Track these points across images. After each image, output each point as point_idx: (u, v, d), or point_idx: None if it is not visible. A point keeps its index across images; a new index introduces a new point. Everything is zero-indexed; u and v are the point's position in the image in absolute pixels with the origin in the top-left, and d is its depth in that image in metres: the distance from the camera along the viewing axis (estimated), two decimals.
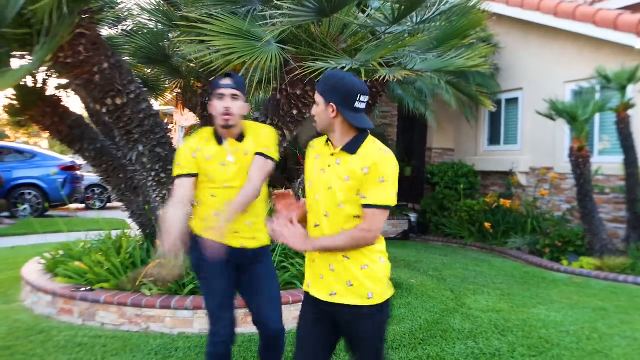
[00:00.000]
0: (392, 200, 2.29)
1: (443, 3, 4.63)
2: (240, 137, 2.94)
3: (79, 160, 16.31)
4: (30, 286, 5.13)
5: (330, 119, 2.31)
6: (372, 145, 2.31)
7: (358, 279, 2.29)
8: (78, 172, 14.62)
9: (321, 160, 2.39)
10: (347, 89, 2.27)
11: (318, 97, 2.34)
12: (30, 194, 13.48)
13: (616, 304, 5.94)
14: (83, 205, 16.85)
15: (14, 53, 4.18)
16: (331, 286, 2.31)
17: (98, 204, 16.91)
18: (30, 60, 3.69)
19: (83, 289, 4.75)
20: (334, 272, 2.31)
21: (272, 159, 2.91)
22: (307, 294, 2.45)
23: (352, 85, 2.28)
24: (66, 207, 14.55)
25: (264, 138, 2.95)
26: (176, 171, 2.88)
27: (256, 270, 3.00)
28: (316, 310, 2.40)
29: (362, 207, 2.26)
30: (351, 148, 2.30)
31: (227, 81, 2.85)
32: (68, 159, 14.84)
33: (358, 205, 2.28)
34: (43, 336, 4.30)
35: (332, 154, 2.33)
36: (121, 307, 4.52)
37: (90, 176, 16.88)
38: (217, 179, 2.88)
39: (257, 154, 2.89)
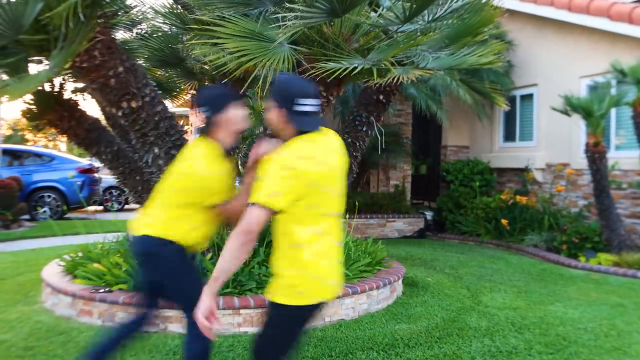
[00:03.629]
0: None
1: (455, 0, 4.62)
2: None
3: (97, 163, 16.53)
4: (51, 288, 5.21)
5: (281, 122, 2.40)
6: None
7: None
8: (96, 175, 14.78)
9: None
10: (288, 92, 2.35)
11: (270, 102, 2.41)
12: (49, 196, 13.66)
13: (635, 300, 5.89)
14: (101, 208, 17.03)
15: (32, 58, 4.27)
16: None
17: (116, 206, 17.08)
18: (47, 65, 3.75)
19: (102, 290, 4.82)
20: None
21: None
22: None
23: (294, 88, 2.36)
24: (84, 209, 14.71)
25: None
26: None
27: None
28: None
29: None
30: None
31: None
32: (86, 161, 15.01)
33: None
34: (63, 337, 4.37)
35: None
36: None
37: (108, 178, 17.04)
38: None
39: None
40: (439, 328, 4.73)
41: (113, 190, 17.13)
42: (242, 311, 4.53)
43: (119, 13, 4.58)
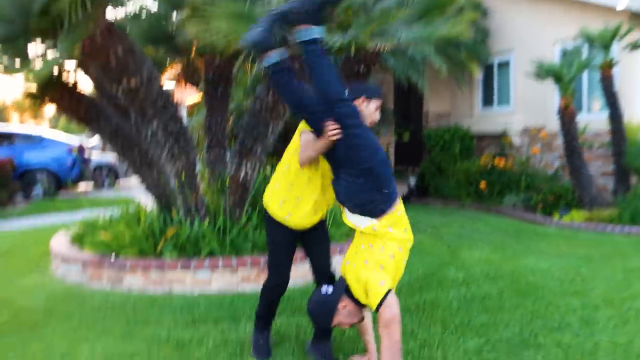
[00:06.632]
0: None
1: None
2: None
3: (86, 143, 16.73)
4: (61, 257, 5.58)
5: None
6: None
7: None
8: (86, 153, 15.01)
9: None
10: None
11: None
12: (41, 175, 13.87)
13: (602, 251, 6.37)
14: (92, 185, 17.28)
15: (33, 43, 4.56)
16: None
17: (106, 183, 17.33)
18: (53, 50, 4.06)
19: (113, 256, 5.19)
20: None
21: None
22: None
23: None
24: (76, 188, 14.98)
25: None
26: None
27: None
28: None
29: None
30: None
31: None
32: (75, 141, 15.21)
33: None
34: (78, 299, 4.77)
35: None
36: (146, 271, 4.97)
37: (97, 157, 17.29)
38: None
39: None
40: (420, 280, 5.18)
41: (103, 168, 17.38)
42: (240, 270, 4.96)
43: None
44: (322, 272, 3.44)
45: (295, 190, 3.25)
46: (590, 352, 3.53)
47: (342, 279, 3.09)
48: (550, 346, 3.62)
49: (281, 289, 3.45)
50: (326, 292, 3.08)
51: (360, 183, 2.97)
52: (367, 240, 3.04)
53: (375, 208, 2.99)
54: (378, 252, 2.98)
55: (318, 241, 3.46)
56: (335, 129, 2.94)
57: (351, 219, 3.10)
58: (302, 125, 3.23)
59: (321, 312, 3.05)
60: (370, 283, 2.87)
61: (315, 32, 2.95)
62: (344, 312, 3.03)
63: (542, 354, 3.50)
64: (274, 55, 3.00)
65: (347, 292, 3.03)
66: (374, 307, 2.86)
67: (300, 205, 3.25)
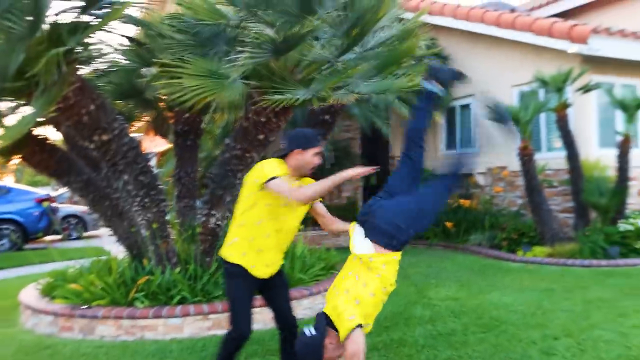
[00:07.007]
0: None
1: (385, 32, 5.31)
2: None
3: (53, 192, 16.65)
4: (31, 309, 5.60)
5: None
6: None
7: None
8: (53, 204, 14.92)
9: None
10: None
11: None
12: (7, 229, 13.72)
13: (563, 284, 6.62)
14: (60, 237, 17.09)
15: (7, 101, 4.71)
16: None
17: (74, 234, 17.16)
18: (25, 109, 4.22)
19: (84, 307, 5.23)
20: None
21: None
22: None
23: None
24: (43, 239, 14.82)
25: None
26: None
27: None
28: None
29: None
30: None
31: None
32: (42, 191, 15.14)
33: None
34: (50, 351, 4.79)
35: None
36: (118, 320, 5.03)
37: (64, 207, 17.17)
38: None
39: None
40: (388, 319, 5.32)
41: (71, 219, 17.23)
42: (210, 316, 5.05)
43: (91, 56, 5.03)
44: (284, 317, 3.57)
45: (256, 243, 3.38)
46: None
47: (321, 316, 3.23)
48: None
49: (241, 344, 3.49)
50: (310, 333, 3.21)
51: (409, 209, 3.34)
52: (357, 269, 3.21)
53: (393, 239, 3.22)
54: (361, 287, 3.14)
55: (277, 287, 3.60)
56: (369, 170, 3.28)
57: (355, 238, 3.27)
58: (249, 179, 3.38)
59: (310, 351, 3.17)
60: (342, 315, 3.04)
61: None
62: (330, 348, 3.16)
63: None
64: (437, 88, 3.60)
65: (330, 324, 3.17)
66: (342, 339, 3.02)
67: (261, 255, 3.40)
